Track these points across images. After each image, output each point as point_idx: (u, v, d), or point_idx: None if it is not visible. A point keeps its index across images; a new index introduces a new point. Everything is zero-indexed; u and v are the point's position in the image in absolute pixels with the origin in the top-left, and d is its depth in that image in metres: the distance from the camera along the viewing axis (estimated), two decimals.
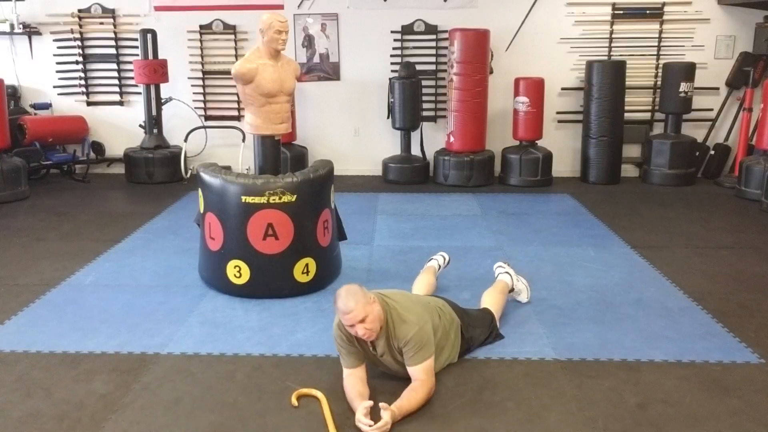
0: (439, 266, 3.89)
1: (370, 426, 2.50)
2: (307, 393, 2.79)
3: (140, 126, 7.00)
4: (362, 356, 2.83)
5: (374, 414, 2.57)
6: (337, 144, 7.22)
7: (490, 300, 3.46)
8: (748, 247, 4.79)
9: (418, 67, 6.83)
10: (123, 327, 3.47)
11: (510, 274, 3.72)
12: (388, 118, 6.95)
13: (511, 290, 3.68)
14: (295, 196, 3.71)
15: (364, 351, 2.82)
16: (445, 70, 6.91)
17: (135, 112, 7.15)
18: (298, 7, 6.93)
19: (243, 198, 3.67)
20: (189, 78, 7.12)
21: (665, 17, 6.83)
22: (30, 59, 7.13)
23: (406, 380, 2.75)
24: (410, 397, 2.67)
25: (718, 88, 6.96)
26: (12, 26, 6.86)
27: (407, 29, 6.94)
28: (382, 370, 2.91)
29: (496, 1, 6.84)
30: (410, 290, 3.54)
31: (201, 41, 7.04)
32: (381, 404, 2.57)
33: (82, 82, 7.18)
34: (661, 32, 6.87)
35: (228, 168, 4.20)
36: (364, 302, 2.65)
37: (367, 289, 2.75)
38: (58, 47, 7.09)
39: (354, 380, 2.77)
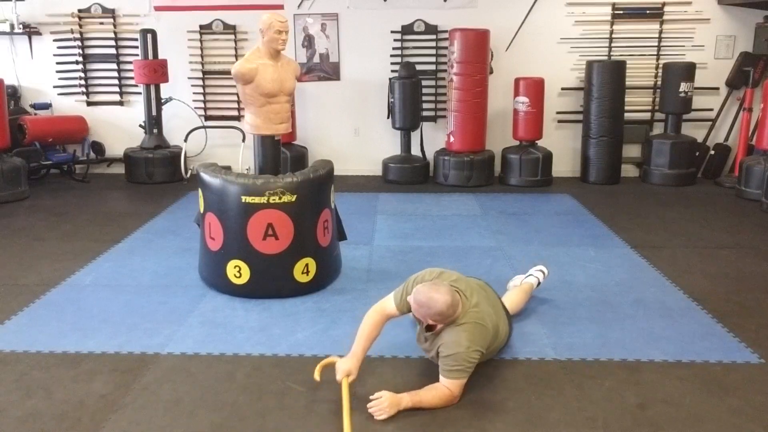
0: (539, 282, 3.72)
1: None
2: (328, 363, 2.83)
3: (140, 126, 7.00)
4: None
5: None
6: (337, 144, 7.22)
7: (513, 297, 3.47)
8: (748, 247, 4.79)
9: (418, 67, 6.83)
10: (123, 327, 3.47)
11: (539, 282, 3.69)
12: (388, 118, 6.95)
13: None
14: (295, 196, 3.71)
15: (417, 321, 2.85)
16: (445, 70, 6.90)
17: (135, 112, 7.15)
18: (298, 7, 6.92)
19: (243, 198, 3.67)
20: (189, 78, 7.12)
21: (665, 17, 6.83)
22: (30, 59, 7.13)
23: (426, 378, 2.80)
24: (429, 394, 2.67)
25: (718, 88, 6.96)
26: (12, 26, 6.85)
27: (407, 29, 6.93)
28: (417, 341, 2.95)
29: (496, 1, 6.84)
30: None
31: (201, 41, 7.04)
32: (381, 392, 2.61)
33: (82, 82, 7.17)
34: (661, 32, 6.87)
35: (228, 168, 4.20)
36: (441, 317, 2.64)
37: (454, 291, 2.69)
38: (58, 47, 7.09)
39: (377, 318, 2.83)
